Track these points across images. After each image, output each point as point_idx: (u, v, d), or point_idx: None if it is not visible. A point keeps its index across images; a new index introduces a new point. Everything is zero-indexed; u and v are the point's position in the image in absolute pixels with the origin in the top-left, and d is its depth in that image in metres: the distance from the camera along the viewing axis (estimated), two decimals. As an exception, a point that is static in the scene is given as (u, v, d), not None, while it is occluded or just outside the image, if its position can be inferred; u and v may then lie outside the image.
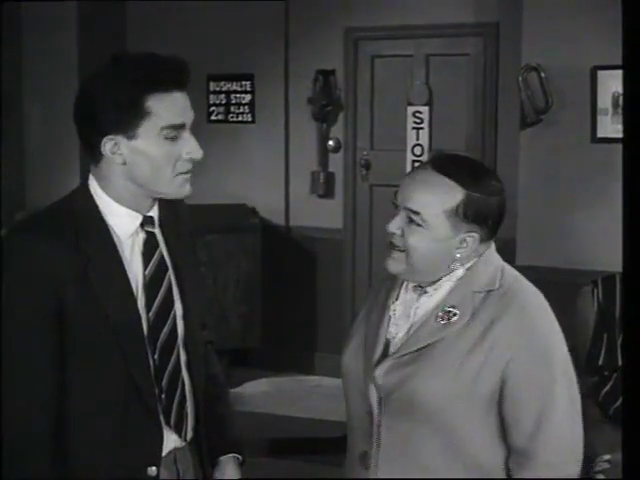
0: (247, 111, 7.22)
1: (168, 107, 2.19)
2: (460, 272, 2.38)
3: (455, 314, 2.34)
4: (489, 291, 2.35)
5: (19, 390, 2.17)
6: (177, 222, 2.41)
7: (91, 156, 2.24)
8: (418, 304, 2.41)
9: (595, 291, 3.74)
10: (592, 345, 3.69)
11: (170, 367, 2.32)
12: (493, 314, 2.32)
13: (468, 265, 2.38)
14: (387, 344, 2.42)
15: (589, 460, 3.56)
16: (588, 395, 3.78)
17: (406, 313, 2.42)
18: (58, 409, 2.19)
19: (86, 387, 2.21)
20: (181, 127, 2.22)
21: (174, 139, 2.21)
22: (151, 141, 2.19)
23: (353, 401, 2.48)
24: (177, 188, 2.27)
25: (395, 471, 2.37)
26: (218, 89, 7.16)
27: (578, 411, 2.37)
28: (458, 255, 2.36)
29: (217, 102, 7.20)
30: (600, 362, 3.67)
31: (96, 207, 2.25)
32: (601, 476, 3.42)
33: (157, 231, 2.33)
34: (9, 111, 7.03)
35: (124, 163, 2.21)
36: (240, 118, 7.24)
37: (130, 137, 2.19)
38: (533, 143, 5.64)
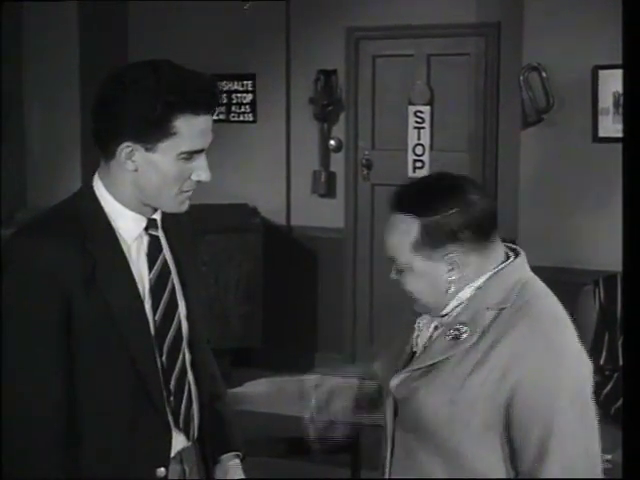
0: (248, 111, 7.22)
1: (193, 131, 2.18)
2: (467, 291, 2.30)
3: (465, 332, 2.27)
4: (502, 309, 2.26)
5: (30, 393, 2.14)
6: (178, 223, 2.41)
7: (102, 153, 2.24)
8: (434, 320, 2.36)
9: (596, 291, 3.74)
10: (593, 345, 3.69)
11: (177, 368, 2.32)
12: (499, 333, 2.23)
13: (480, 282, 2.30)
14: (412, 356, 2.39)
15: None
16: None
17: (427, 328, 2.38)
18: (68, 413, 2.17)
19: (95, 390, 2.20)
20: (199, 152, 2.23)
21: (188, 159, 2.21)
22: (167, 158, 2.19)
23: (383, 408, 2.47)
24: (178, 205, 2.28)
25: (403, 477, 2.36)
26: (219, 89, 7.15)
27: (592, 439, 2.22)
28: (452, 278, 2.28)
29: (215, 102, 7.18)
30: (601, 362, 3.67)
31: (101, 209, 2.24)
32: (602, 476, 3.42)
33: (160, 234, 2.33)
34: (10, 111, 7.03)
35: (135, 170, 2.20)
36: (241, 118, 7.24)
37: (148, 149, 2.17)
38: (534, 143, 5.64)
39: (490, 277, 2.30)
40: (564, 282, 5.03)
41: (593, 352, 3.73)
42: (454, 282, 2.28)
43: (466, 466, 2.24)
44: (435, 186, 2.32)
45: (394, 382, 2.35)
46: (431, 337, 2.35)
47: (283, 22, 6.99)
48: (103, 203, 2.25)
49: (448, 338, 2.29)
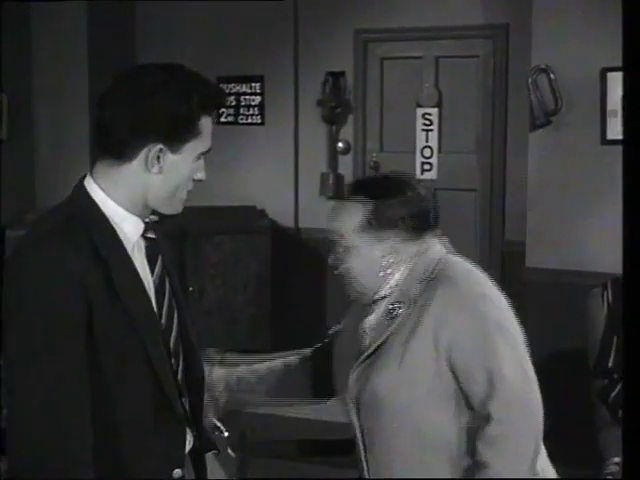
0: (257, 113, 7.23)
1: (209, 131, 2.24)
2: (398, 274, 2.56)
3: (399, 308, 2.51)
4: (423, 280, 2.51)
5: (56, 394, 2.07)
6: (158, 225, 2.40)
7: (117, 157, 2.19)
8: (372, 312, 2.59)
9: (605, 293, 3.74)
10: (601, 347, 3.69)
11: (180, 369, 2.33)
12: (426, 301, 2.47)
13: (412, 263, 2.55)
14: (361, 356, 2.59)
15: (599, 462, 3.56)
16: (597, 397, 3.78)
17: (370, 324, 2.60)
18: (93, 416, 2.12)
19: (116, 393, 2.16)
20: (208, 152, 2.27)
21: (198, 159, 2.24)
22: (188, 160, 2.21)
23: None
24: (179, 206, 2.29)
25: (380, 469, 2.54)
26: (228, 91, 7.15)
27: (522, 365, 2.43)
28: (388, 261, 2.55)
29: (227, 104, 7.20)
30: (609, 364, 3.67)
31: (102, 214, 2.21)
32: (610, 478, 3.42)
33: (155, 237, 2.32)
34: (18, 111, 7.04)
35: (159, 173, 2.19)
36: (250, 120, 7.24)
37: (174, 151, 2.18)
38: (542, 145, 5.63)
39: (419, 257, 2.55)
40: (572, 284, 5.02)
41: (601, 354, 3.72)
42: (389, 265, 2.55)
43: (423, 430, 2.45)
44: (383, 179, 2.68)
45: (351, 380, 2.56)
46: (370, 330, 2.58)
47: (291, 24, 6.99)
48: (102, 207, 2.21)
49: (386, 319, 2.53)
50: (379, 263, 2.55)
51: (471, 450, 2.41)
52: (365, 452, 2.56)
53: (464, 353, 2.41)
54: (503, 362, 2.38)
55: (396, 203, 2.53)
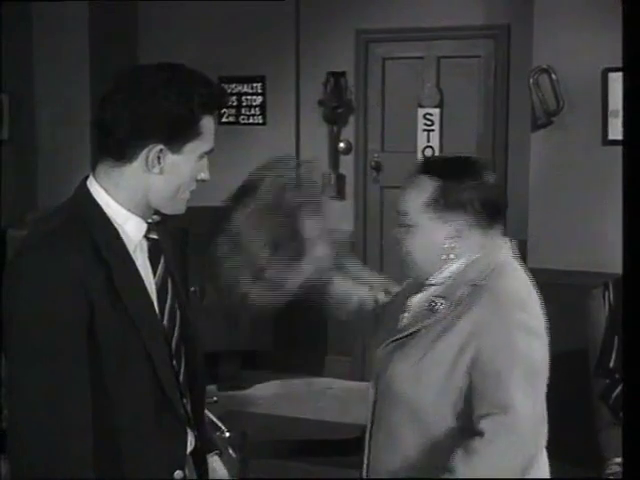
0: (258, 113, 7.23)
1: (211, 131, 2.22)
2: (455, 267, 2.48)
3: (441, 304, 2.44)
4: (474, 285, 2.43)
5: (59, 399, 2.06)
6: (162, 224, 2.39)
7: (117, 157, 2.18)
8: (421, 292, 2.54)
9: (606, 293, 3.74)
10: (603, 348, 3.69)
11: (182, 370, 2.32)
12: (468, 306, 2.40)
13: (471, 259, 2.47)
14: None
15: (599, 462, 3.56)
16: (599, 398, 3.78)
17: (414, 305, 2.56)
18: (95, 417, 2.11)
19: (119, 396, 2.16)
20: (210, 152, 2.25)
21: (201, 159, 2.23)
22: (190, 160, 2.20)
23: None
24: (181, 206, 2.29)
25: (380, 460, 2.52)
26: (229, 91, 7.16)
27: (534, 403, 2.38)
28: (449, 245, 2.46)
29: (228, 104, 7.20)
30: (611, 364, 3.66)
31: (105, 215, 2.20)
32: (612, 478, 3.42)
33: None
34: (19, 111, 7.04)
35: (160, 173, 2.18)
36: (251, 120, 7.24)
37: (174, 151, 2.17)
38: (544, 145, 5.63)
39: (479, 256, 2.48)
40: (574, 285, 5.02)
41: (603, 354, 3.72)
42: (450, 250, 2.47)
43: (428, 425, 2.41)
44: (461, 159, 2.57)
45: (377, 355, 2.54)
46: (407, 313, 2.54)
47: (292, 24, 7.00)
48: (105, 208, 2.21)
49: (425, 310, 2.48)
50: (440, 246, 2.46)
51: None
52: (370, 438, 2.54)
53: (484, 372, 2.35)
54: (517, 395, 2.32)
55: (468, 185, 2.45)
